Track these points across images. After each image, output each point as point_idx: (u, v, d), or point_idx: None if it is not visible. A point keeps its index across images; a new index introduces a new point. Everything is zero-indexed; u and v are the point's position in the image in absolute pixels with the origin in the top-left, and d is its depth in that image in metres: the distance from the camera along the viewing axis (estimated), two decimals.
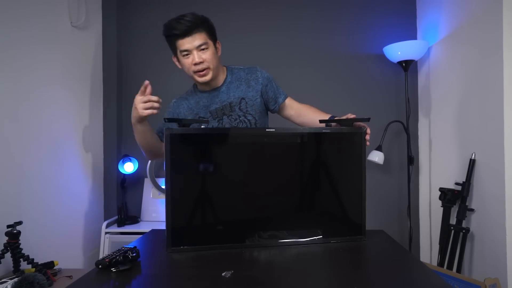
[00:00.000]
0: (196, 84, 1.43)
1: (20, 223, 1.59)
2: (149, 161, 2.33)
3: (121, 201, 2.48)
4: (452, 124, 2.12)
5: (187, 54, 1.26)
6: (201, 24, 1.24)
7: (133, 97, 1.17)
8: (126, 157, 2.45)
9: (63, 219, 2.08)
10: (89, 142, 2.36)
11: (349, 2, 2.56)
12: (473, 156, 1.89)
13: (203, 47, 1.25)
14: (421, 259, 2.45)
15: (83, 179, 2.31)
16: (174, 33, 1.23)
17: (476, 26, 1.87)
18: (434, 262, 2.25)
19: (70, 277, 1.69)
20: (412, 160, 2.38)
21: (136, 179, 2.58)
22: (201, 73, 1.28)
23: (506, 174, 1.64)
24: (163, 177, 2.57)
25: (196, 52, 1.25)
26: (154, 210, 2.52)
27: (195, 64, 1.26)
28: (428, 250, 2.45)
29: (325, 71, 2.56)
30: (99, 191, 2.49)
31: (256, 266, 0.95)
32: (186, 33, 1.22)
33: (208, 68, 1.28)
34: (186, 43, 1.24)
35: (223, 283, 0.83)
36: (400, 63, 2.31)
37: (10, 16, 1.71)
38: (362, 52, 2.55)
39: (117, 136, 2.54)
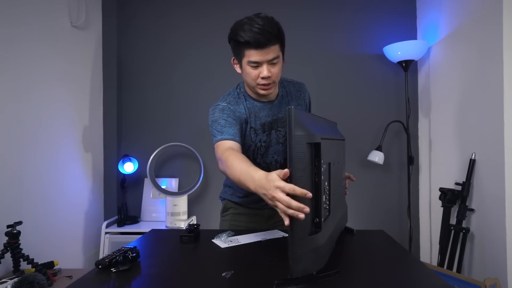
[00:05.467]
0: (245, 89, 1.31)
1: (20, 223, 1.59)
2: (149, 161, 2.33)
3: (121, 201, 2.48)
4: (452, 124, 2.12)
5: (256, 66, 1.13)
6: (277, 35, 1.10)
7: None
8: (126, 157, 2.45)
9: (63, 219, 2.08)
10: (89, 142, 2.36)
11: (349, 2, 2.56)
12: (473, 156, 1.88)
13: (274, 61, 1.13)
14: (421, 259, 2.45)
15: (83, 179, 2.31)
16: (247, 41, 1.08)
17: (476, 26, 1.87)
18: (434, 262, 2.25)
19: (70, 277, 1.69)
20: (412, 160, 2.38)
21: (136, 179, 2.58)
22: (266, 86, 1.17)
23: (506, 174, 1.64)
24: (163, 177, 2.57)
25: (266, 66, 1.12)
26: (154, 210, 2.53)
27: (263, 77, 1.14)
28: (428, 250, 2.45)
29: (325, 71, 2.56)
30: (99, 191, 2.50)
31: (256, 266, 0.95)
32: (261, 45, 1.08)
33: (273, 82, 1.17)
34: (258, 55, 1.10)
35: (223, 283, 0.83)
36: (400, 63, 2.31)
37: (10, 16, 1.71)
38: (362, 52, 2.55)
39: (117, 136, 2.55)
